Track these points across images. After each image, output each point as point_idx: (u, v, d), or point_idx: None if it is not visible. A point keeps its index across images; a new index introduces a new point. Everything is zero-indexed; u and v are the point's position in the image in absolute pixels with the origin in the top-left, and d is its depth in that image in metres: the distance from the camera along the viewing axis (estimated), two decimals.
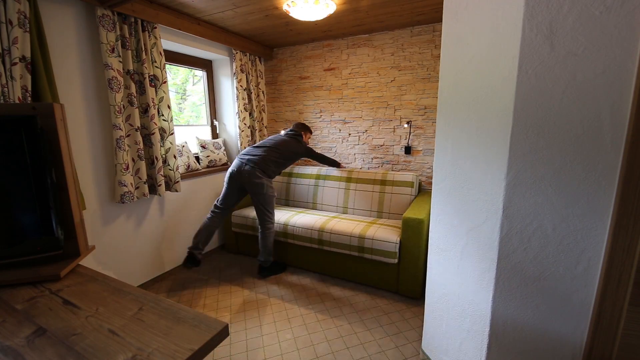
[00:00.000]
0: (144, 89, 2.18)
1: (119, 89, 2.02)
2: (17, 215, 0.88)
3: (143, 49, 2.14)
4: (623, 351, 1.01)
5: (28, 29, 1.55)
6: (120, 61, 2.03)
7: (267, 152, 2.54)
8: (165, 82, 2.32)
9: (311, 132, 2.94)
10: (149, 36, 2.20)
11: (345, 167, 3.23)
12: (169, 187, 2.46)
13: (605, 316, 1.02)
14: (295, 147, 2.70)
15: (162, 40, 2.32)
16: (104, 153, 2.10)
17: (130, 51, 2.07)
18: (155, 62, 2.26)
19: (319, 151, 3.40)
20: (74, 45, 1.90)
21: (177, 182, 2.47)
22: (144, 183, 2.23)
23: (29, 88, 1.57)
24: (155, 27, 2.23)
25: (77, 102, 1.93)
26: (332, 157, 3.22)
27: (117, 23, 1.98)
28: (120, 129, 2.03)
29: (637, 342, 1.00)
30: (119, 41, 2.01)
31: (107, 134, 2.10)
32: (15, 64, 1.51)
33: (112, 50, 1.96)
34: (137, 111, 2.14)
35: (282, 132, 2.83)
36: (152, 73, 2.24)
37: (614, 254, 0.97)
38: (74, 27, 1.89)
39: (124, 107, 2.08)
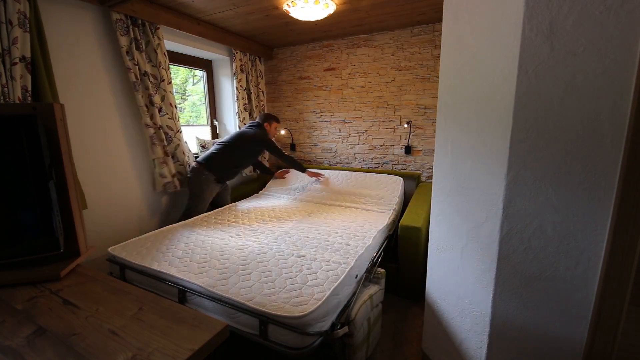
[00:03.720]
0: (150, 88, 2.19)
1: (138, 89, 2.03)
2: (17, 215, 0.88)
3: (150, 49, 2.15)
4: (623, 351, 1.01)
5: (28, 29, 1.55)
6: (135, 64, 2.06)
7: (218, 150, 2.48)
8: (170, 82, 2.33)
9: (278, 122, 2.77)
10: (153, 37, 2.20)
11: (313, 175, 2.96)
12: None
13: (605, 316, 1.01)
14: (252, 136, 2.55)
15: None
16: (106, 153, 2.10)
17: (142, 53, 2.12)
18: (161, 62, 2.26)
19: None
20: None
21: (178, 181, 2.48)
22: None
23: (29, 88, 1.58)
24: (158, 28, 2.23)
25: (81, 103, 1.94)
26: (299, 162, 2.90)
27: (130, 27, 2.02)
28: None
29: (637, 342, 1.00)
30: (133, 44, 2.06)
31: (109, 134, 2.10)
32: (15, 64, 1.51)
33: (127, 53, 2.00)
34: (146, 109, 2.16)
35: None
36: (157, 73, 2.24)
37: (614, 254, 0.97)
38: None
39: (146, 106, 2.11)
